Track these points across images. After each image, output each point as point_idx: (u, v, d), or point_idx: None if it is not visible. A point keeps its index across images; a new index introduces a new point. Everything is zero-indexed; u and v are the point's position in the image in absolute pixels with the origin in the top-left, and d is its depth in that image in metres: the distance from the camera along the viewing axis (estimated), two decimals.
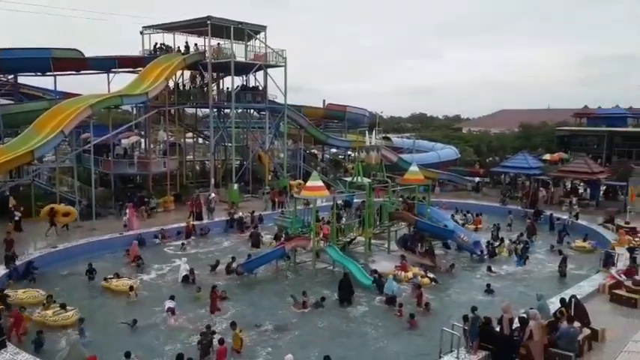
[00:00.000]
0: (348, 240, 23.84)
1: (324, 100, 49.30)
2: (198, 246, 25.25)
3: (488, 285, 18.88)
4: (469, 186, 41.87)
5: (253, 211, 29.59)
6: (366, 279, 19.19)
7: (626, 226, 26.52)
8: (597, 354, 13.29)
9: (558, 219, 29.21)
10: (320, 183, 22.34)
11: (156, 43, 36.71)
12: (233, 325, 14.19)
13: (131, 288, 17.93)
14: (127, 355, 12.28)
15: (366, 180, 24.40)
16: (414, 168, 26.88)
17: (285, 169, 38.22)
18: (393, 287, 17.79)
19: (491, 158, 50.04)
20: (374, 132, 27.57)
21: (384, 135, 44.74)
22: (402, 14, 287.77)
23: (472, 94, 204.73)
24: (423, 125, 78.99)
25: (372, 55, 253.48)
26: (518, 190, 37.69)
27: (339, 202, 25.88)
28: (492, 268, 21.42)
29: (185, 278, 19.49)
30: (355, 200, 25.92)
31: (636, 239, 23.92)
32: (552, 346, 12.88)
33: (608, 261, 20.23)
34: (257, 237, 25.24)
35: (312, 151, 50.46)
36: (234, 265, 20.68)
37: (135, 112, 37.87)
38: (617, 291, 17.23)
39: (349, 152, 45.35)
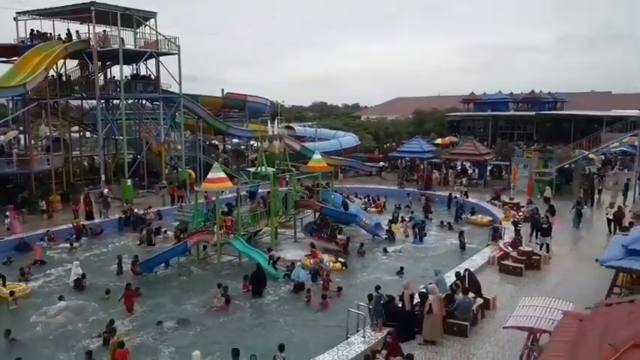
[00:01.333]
0: (254, 231, 23.51)
1: (222, 90, 48.12)
2: (90, 248, 23.47)
3: (401, 268, 19.32)
4: (374, 170, 43.21)
5: (150, 207, 28.15)
6: (273, 269, 19.02)
7: (511, 202, 28.93)
8: (490, 320, 14.31)
9: (455, 197, 31.05)
10: (222, 174, 21.72)
11: (32, 30, 33.36)
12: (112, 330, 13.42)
13: (12, 293, 16.26)
14: None
15: (271, 170, 24.17)
16: (317, 156, 27.13)
17: (183, 162, 36.76)
18: (300, 274, 17.79)
19: (388, 144, 52.07)
20: (276, 121, 27.31)
21: (286, 124, 44.61)
22: (293, 7, 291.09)
23: (368, 83, 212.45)
24: (324, 114, 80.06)
25: (268, 45, 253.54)
26: (414, 173, 39.57)
27: (244, 193, 25.46)
28: (388, 249, 22.14)
29: (77, 282, 18.01)
30: (260, 191, 25.64)
31: (520, 214, 26.14)
32: (450, 317, 13.64)
33: (496, 235, 21.92)
34: (150, 234, 24.04)
35: (213, 142, 49.12)
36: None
37: (11, 105, 34.20)
38: (504, 262, 18.69)
39: (252, 142, 44.73)
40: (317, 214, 25.04)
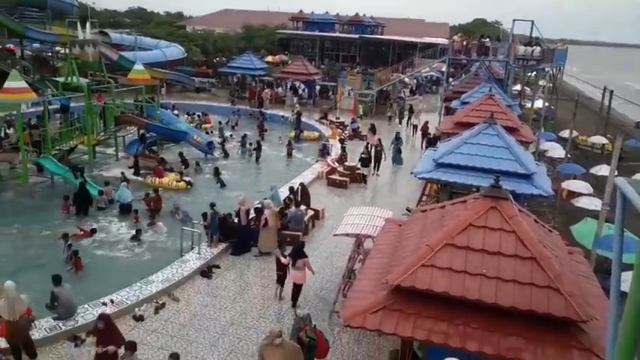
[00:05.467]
0: (67, 149, 20.96)
1: None
2: None
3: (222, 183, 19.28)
4: (207, 85, 41.29)
5: None
6: (92, 188, 17.34)
7: (337, 121, 30.46)
8: (320, 229, 15.30)
9: (282, 116, 31.52)
10: (23, 84, 18.56)
11: None
12: None
13: None
14: None
15: (84, 80, 21.33)
16: (139, 67, 24.67)
17: None
18: (124, 195, 16.54)
19: (218, 59, 49.88)
20: (87, 25, 23.78)
21: (99, 29, 39.40)
22: None
23: None
24: (143, 21, 72.32)
25: None
26: (245, 90, 38.88)
27: (54, 106, 22.29)
28: (221, 170, 21.52)
29: None
30: (73, 104, 22.66)
31: (345, 132, 27.72)
32: (284, 228, 14.20)
33: (324, 151, 23.03)
34: None
35: (8, 46, 41.38)
36: None
37: None
38: (332, 176, 19.87)
39: (58, 48, 38.77)
40: (141, 130, 23.18)
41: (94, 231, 14.56)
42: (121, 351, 8.11)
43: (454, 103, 24.25)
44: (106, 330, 8.28)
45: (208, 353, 9.36)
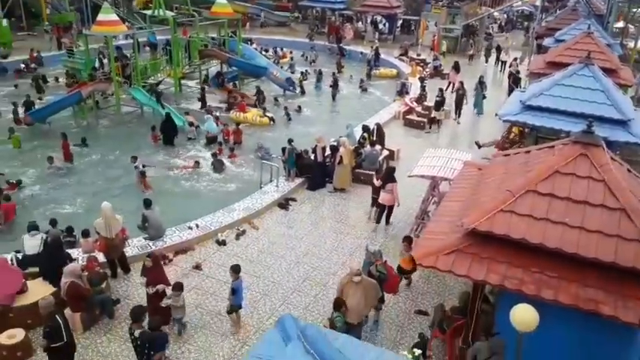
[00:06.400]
0: (155, 82, 21.95)
1: None
2: None
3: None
4: (287, 19, 40.96)
5: (32, 49, 25.03)
6: (180, 120, 18.24)
7: (418, 58, 29.34)
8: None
9: (361, 53, 30.79)
10: (114, 17, 19.44)
11: None
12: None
13: None
14: None
15: (170, 13, 21.88)
16: (222, 0, 24.78)
17: (67, 2, 32.05)
18: (212, 127, 17.27)
19: None
20: None
21: None
22: None
23: None
24: None
25: None
26: (325, 25, 38.16)
27: (144, 39, 23.21)
28: (302, 107, 21.52)
29: None
30: (159, 38, 23.45)
31: (426, 70, 26.72)
32: (358, 167, 14.30)
33: (403, 90, 22.42)
34: (38, 81, 22.09)
35: None
36: (20, 113, 17.89)
37: None
38: (409, 116, 19.46)
39: None
40: (223, 65, 23.69)
41: (197, 163, 15.27)
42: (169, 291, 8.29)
43: (547, 41, 22.33)
44: (153, 268, 8.43)
45: (284, 279, 9.93)
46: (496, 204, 6.66)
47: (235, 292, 8.20)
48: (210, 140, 16.88)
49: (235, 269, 8.20)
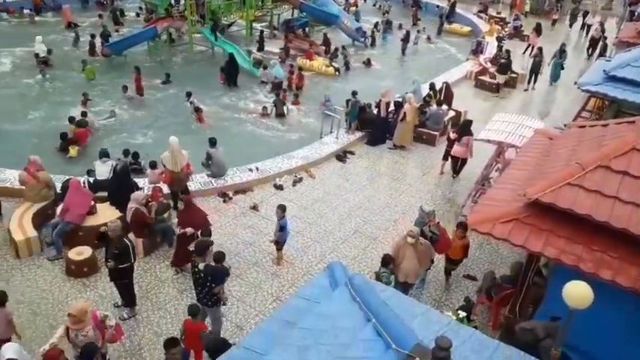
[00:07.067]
0: (227, 23, 22.09)
1: None
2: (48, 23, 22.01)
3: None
4: None
5: None
6: (246, 62, 18.38)
7: (498, 16, 27.70)
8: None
9: (438, 6, 29.46)
10: None
11: None
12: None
13: None
14: None
15: None
16: None
17: None
18: (278, 73, 17.31)
19: None
20: None
21: None
22: None
23: None
24: None
25: None
26: None
27: None
28: (371, 60, 20.82)
29: (42, 59, 17.19)
30: None
31: (505, 30, 25.26)
32: (421, 126, 14.01)
33: (478, 49, 21.36)
34: (116, 13, 23.05)
35: None
36: (97, 44, 18.69)
37: None
38: (481, 77, 18.60)
39: None
40: (294, 10, 23.40)
41: (265, 109, 15.28)
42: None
43: None
44: (185, 211, 8.55)
45: (336, 228, 10.11)
46: (563, 176, 6.39)
47: (283, 228, 8.67)
48: (276, 86, 16.96)
49: (283, 208, 8.65)
